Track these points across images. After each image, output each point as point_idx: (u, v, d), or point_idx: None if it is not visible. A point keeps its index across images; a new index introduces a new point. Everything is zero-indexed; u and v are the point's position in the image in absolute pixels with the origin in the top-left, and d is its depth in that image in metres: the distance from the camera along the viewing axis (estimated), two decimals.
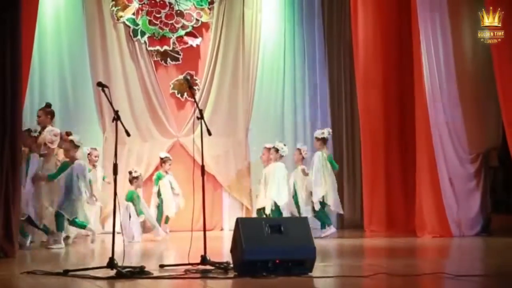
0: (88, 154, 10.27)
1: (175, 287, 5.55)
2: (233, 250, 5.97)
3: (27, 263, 7.01)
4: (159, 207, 10.32)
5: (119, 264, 5.86)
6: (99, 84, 6.33)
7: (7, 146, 7.28)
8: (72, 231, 9.33)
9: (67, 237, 9.13)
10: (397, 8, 10.84)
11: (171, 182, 10.38)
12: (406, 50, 10.51)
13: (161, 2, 11.48)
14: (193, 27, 11.59)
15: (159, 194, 10.35)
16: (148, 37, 11.40)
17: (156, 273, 5.89)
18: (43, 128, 8.84)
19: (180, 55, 11.56)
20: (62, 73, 10.98)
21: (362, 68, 11.05)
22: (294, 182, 10.27)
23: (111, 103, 6.19)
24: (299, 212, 10.18)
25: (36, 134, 8.90)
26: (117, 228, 6.38)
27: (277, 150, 10.25)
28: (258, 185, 10.61)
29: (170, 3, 11.51)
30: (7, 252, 7.17)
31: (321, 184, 9.86)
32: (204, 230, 6.67)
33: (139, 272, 5.80)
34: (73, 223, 8.81)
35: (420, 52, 9.93)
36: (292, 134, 11.86)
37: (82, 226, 8.97)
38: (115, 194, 6.06)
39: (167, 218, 10.45)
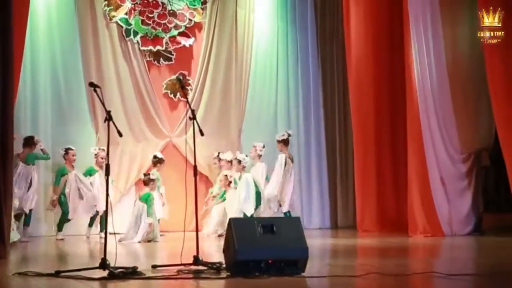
0: (95, 154, 10.26)
1: None
2: (225, 250, 5.98)
3: (19, 264, 6.99)
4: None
5: (112, 264, 5.85)
6: (91, 84, 6.32)
7: None
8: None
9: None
10: (389, 8, 10.87)
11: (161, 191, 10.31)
12: (398, 50, 10.53)
13: (154, 2, 11.47)
14: (186, 27, 11.58)
15: None
16: (141, 37, 11.39)
17: (148, 274, 5.89)
18: None
19: (173, 55, 11.55)
20: (54, 72, 10.94)
21: (354, 68, 11.08)
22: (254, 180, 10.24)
23: (103, 103, 6.19)
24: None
25: None
26: (110, 229, 6.33)
27: (239, 162, 10.24)
28: None
29: (163, 3, 11.49)
30: None
31: (275, 185, 10.23)
32: (197, 231, 6.69)
33: (132, 273, 5.80)
34: None
35: (411, 52, 9.95)
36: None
37: None
38: (107, 195, 6.06)
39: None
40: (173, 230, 10.64)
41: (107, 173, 6.08)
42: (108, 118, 6.06)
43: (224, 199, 10.36)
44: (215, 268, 6.05)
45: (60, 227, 10.00)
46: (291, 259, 5.84)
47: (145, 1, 11.42)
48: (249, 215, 9.89)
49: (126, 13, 11.35)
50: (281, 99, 11.94)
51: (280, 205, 10.41)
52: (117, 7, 11.34)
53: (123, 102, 11.26)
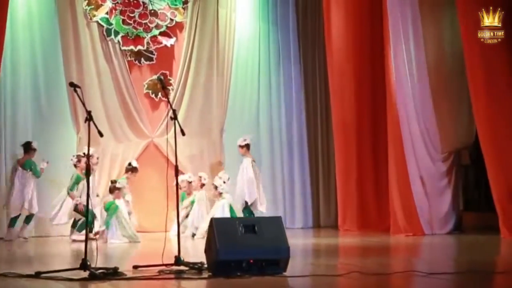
0: (77, 162, 10.19)
1: None
2: (207, 251, 5.97)
3: None
4: None
5: (92, 265, 5.82)
6: (71, 84, 6.28)
7: None
8: None
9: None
10: (370, 9, 10.90)
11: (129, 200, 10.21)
12: (378, 50, 10.58)
13: (135, 1, 11.42)
14: (167, 26, 11.55)
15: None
16: (122, 37, 11.34)
17: (129, 274, 5.86)
18: None
19: (154, 55, 11.51)
20: (34, 71, 10.85)
21: (336, 68, 11.12)
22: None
23: (83, 104, 6.15)
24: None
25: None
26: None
27: (216, 187, 10.21)
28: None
29: (144, 3, 11.45)
30: None
31: (241, 188, 10.48)
32: (178, 231, 6.66)
33: (113, 273, 5.77)
34: None
35: (390, 52, 10.00)
36: (268, 134, 11.88)
37: None
38: (88, 195, 6.03)
39: None
40: (154, 231, 10.62)
41: (88, 174, 6.05)
42: (89, 118, 6.03)
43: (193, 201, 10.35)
44: (196, 268, 6.04)
45: (80, 229, 9.84)
46: (273, 259, 5.83)
47: (126, 1, 11.38)
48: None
49: (106, 13, 11.29)
50: (263, 99, 11.95)
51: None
52: (98, 7, 11.28)
53: (104, 102, 11.21)
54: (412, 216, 9.87)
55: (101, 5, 11.28)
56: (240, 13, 11.91)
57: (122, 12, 11.35)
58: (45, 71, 10.93)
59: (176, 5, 11.61)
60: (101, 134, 6.12)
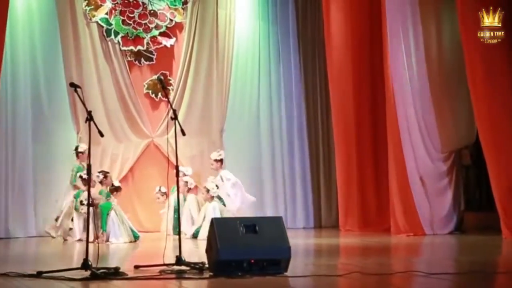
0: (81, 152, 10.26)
1: None
2: (208, 251, 5.97)
3: None
4: None
5: (94, 265, 5.83)
6: (72, 84, 6.29)
7: None
8: None
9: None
10: (369, 8, 10.88)
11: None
12: (378, 50, 10.56)
13: (135, 2, 11.41)
14: (167, 27, 11.54)
15: None
16: (122, 37, 11.33)
17: (131, 274, 5.86)
18: None
19: (154, 55, 11.50)
20: (35, 71, 10.80)
21: (335, 68, 11.10)
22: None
23: (84, 104, 6.16)
24: None
25: None
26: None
27: (208, 191, 10.08)
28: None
29: (143, 3, 11.44)
30: None
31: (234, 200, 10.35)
32: (179, 231, 6.68)
33: (114, 273, 5.78)
34: None
35: (389, 52, 9.99)
36: (268, 134, 11.87)
37: None
38: (89, 195, 6.03)
39: None
40: (155, 231, 10.62)
41: (89, 173, 6.05)
42: (89, 118, 6.04)
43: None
44: (197, 268, 6.05)
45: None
46: (274, 259, 5.84)
47: (126, 1, 11.36)
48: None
49: (106, 13, 11.28)
50: (263, 99, 11.93)
51: None
52: (97, 7, 11.27)
53: (104, 102, 11.20)
54: (412, 216, 9.86)
55: (101, 5, 11.27)
56: (239, 13, 11.89)
57: (121, 13, 11.34)
58: (45, 71, 10.90)
59: (175, 5, 11.60)
60: (101, 134, 6.12)
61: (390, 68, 9.98)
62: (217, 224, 5.88)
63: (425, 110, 10.07)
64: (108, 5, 11.28)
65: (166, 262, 6.24)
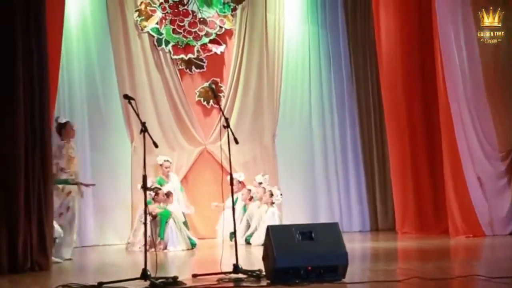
0: (160, 165, 10.40)
1: None
2: (265, 258, 5.97)
3: (62, 276, 7.06)
4: None
5: (153, 274, 5.89)
6: (126, 96, 6.36)
7: (37, 159, 7.33)
8: None
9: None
10: (418, 9, 10.74)
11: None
12: (429, 50, 10.39)
13: (184, 10, 11.54)
14: (216, 34, 11.63)
15: None
16: (172, 46, 11.46)
17: (189, 283, 5.90)
18: None
19: (204, 62, 11.60)
20: (90, 83, 10.98)
21: (386, 69, 10.97)
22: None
23: (138, 115, 6.22)
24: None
25: None
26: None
27: (271, 195, 10.05)
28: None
29: (193, 11, 11.56)
30: (42, 265, 7.23)
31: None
32: (235, 238, 6.69)
33: (172, 283, 5.82)
34: None
35: (441, 51, 9.83)
36: (321, 136, 11.82)
37: None
38: (146, 205, 6.11)
39: None
40: (210, 237, 10.70)
41: (144, 184, 6.12)
42: (144, 129, 6.10)
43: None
44: (255, 276, 6.05)
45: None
46: (331, 265, 5.79)
47: (176, 10, 11.50)
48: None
49: (157, 23, 11.44)
50: (315, 103, 11.90)
51: None
52: (148, 17, 11.43)
53: (156, 111, 11.34)
54: (470, 217, 9.68)
55: (151, 15, 11.43)
56: (288, 17, 11.90)
57: (172, 22, 11.48)
58: (100, 81, 11.07)
59: (224, 12, 11.68)
60: (156, 145, 6.18)
61: (443, 69, 9.82)
62: (273, 232, 5.87)
63: (480, 110, 9.88)
64: (158, 14, 11.43)
65: (223, 270, 6.27)
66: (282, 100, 11.78)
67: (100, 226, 10.74)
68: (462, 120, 9.82)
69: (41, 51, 7.49)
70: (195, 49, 11.53)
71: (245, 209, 10.38)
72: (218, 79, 11.65)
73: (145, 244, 6.18)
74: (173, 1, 11.49)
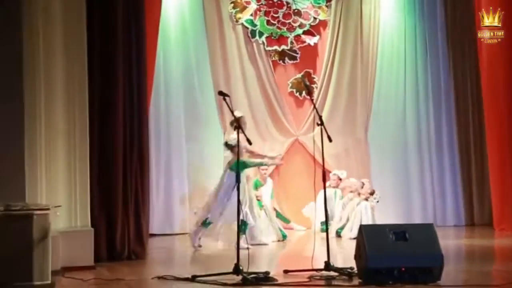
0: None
1: None
2: (356, 257, 5.93)
3: (157, 267, 7.24)
4: None
5: (245, 269, 5.96)
6: (220, 93, 6.44)
7: (135, 152, 7.63)
8: None
9: None
10: None
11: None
12: None
13: (279, 2, 11.52)
14: (310, 25, 11.55)
15: None
16: (266, 37, 11.48)
17: (280, 279, 5.94)
18: None
19: (298, 54, 11.56)
20: (187, 77, 11.16)
21: (487, 64, 10.54)
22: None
23: (232, 112, 6.29)
24: None
25: None
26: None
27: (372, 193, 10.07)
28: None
29: (287, 3, 11.53)
30: (139, 254, 7.51)
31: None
32: (327, 235, 6.66)
33: (264, 278, 5.89)
34: None
35: None
36: (415, 128, 11.56)
37: None
38: (238, 201, 6.18)
39: None
40: (301, 229, 10.71)
41: (238, 180, 6.19)
42: (238, 126, 6.17)
43: None
44: (346, 274, 6.02)
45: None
46: (425, 267, 5.70)
47: (270, 2, 11.50)
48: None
49: (251, 14, 11.48)
50: (410, 96, 11.61)
51: None
52: (243, 9, 11.49)
53: (249, 102, 11.38)
54: None
55: (246, 7, 11.49)
56: (384, 8, 11.63)
57: (266, 13, 11.49)
58: (196, 74, 11.22)
59: (319, 3, 11.58)
60: (250, 142, 6.24)
61: None
62: (365, 231, 5.83)
63: None
64: (253, 6, 11.47)
65: (315, 266, 6.26)
66: (375, 92, 11.58)
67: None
68: None
69: (140, 48, 7.74)
70: (289, 40, 11.51)
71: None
72: (311, 70, 11.60)
73: (238, 238, 6.26)
74: None
